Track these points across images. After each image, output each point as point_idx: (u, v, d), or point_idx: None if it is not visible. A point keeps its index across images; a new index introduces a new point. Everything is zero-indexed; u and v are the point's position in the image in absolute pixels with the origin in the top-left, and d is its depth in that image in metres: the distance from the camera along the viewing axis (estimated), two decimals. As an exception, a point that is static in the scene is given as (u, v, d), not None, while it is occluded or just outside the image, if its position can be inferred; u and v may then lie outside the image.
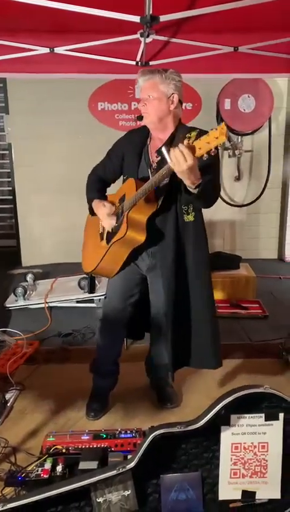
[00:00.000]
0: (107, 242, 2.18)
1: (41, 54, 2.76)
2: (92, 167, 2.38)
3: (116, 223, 2.14)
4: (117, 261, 2.18)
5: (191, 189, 1.84)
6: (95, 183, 2.33)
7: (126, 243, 2.08)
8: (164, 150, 1.85)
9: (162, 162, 2.05)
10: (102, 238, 2.25)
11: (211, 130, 1.68)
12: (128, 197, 2.10)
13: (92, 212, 2.29)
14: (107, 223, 2.17)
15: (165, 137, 2.13)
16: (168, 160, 1.76)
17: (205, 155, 1.68)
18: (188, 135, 1.97)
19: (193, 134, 2.01)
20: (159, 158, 2.13)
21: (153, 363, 2.54)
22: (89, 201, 2.29)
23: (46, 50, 2.75)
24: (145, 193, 1.99)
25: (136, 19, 2.08)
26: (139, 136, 2.23)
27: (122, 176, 2.29)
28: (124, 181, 2.25)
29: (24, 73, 2.94)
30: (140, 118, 2.13)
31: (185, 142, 1.71)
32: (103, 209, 2.15)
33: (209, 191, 1.93)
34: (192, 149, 1.69)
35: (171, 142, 2.07)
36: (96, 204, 2.22)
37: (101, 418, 2.42)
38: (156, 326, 2.36)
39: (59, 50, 2.75)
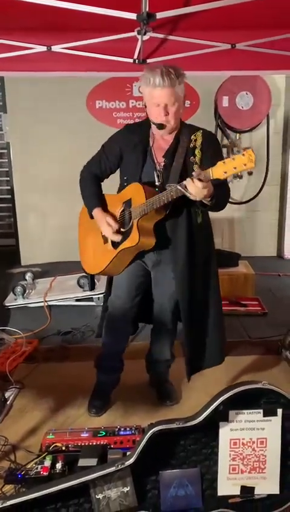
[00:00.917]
0: (114, 246, 2.18)
1: (39, 52, 2.76)
2: None
3: (124, 228, 2.14)
4: (124, 263, 2.21)
5: (206, 202, 1.89)
6: (91, 184, 2.27)
7: (136, 248, 2.11)
8: (179, 188, 1.85)
9: (170, 166, 2.08)
10: (106, 241, 2.23)
11: (238, 154, 1.72)
12: (136, 203, 2.07)
13: (91, 216, 2.25)
14: (113, 238, 2.15)
15: (170, 139, 2.13)
16: (189, 196, 1.82)
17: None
18: (193, 137, 2.08)
19: (199, 135, 2.10)
20: (165, 161, 2.11)
21: (154, 359, 2.55)
22: (89, 209, 2.24)
23: (44, 48, 2.75)
24: (159, 204, 1.98)
25: (132, 16, 2.09)
26: (139, 135, 2.17)
27: (119, 173, 2.25)
28: (125, 181, 2.20)
29: (21, 71, 2.93)
30: (161, 126, 2.05)
31: (197, 171, 1.75)
32: (108, 228, 2.14)
33: (222, 198, 2.00)
34: (206, 178, 1.75)
35: (177, 145, 2.10)
36: (100, 218, 2.18)
37: (101, 415, 2.43)
38: (159, 321, 2.38)
39: (56, 48, 2.75)
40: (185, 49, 2.76)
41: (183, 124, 2.17)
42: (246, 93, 4.60)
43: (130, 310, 2.34)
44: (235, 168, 1.70)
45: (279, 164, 5.09)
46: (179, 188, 1.84)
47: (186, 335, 2.27)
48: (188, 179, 1.79)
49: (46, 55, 2.78)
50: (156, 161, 2.14)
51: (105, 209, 2.22)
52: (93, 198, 2.24)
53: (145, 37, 2.54)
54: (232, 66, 2.97)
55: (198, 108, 4.78)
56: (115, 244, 2.18)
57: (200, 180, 1.75)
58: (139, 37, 2.50)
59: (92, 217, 2.25)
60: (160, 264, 2.23)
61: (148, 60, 2.84)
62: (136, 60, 2.82)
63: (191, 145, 2.10)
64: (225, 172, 1.73)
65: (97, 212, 2.20)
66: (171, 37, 2.65)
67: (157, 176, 2.12)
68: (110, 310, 2.37)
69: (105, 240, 2.23)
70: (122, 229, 2.15)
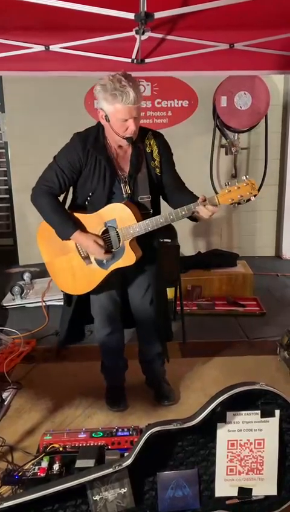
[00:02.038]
0: (102, 266, 2.18)
1: (37, 51, 2.75)
2: None
3: (112, 248, 2.14)
4: (110, 280, 2.25)
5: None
6: (57, 205, 2.17)
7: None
8: (193, 207, 1.99)
9: (135, 175, 2.15)
10: (89, 261, 2.20)
11: (241, 183, 1.92)
12: (123, 224, 2.08)
13: (65, 239, 2.17)
14: (104, 258, 2.14)
15: (127, 147, 2.14)
16: (204, 217, 2.02)
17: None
18: (147, 141, 2.17)
19: (151, 138, 2.19)
20: (129, 171, 2.15)
21: (146, 356, 2.55)
22: (67, 233, 2.13)
23: (42, 48, 2.74)
24: (157, 227, 2.06)
25: (130, 16, 2.08)
26: (97, 146, 2.11)
27: (82, 187, 2.17)
28: (90, 196, 2.14)
29: (19, 71, 2.92)
30: (131, 139, 2.06)
31: (203, 197, 1.98)
32: (98, 249, 2.11)
33: None
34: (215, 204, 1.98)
35: (137, 153, 2.14)
36: (83, 239, 2.12)
37: (99, 416, 2.43)
38: (143, 317, 2.40)
39: (54, 48, 2.74)
40: (183, 49, 2.76)
41: None
42: (245, 93, 4.59)
43: (117, 308, 2.36)
44: (241, 196, 1.92)
45: (277, 164, 5.09)
46: (188, 211, 1.99)
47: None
48: (200, 206, 1.96)
49: (44, 54, 2.77)
50: (120, 172, 2.15)
51: (83, 229, 2.15)
52: (68, 220, 2.14)
53: (144, 37, 2.54)
54: (231, 65, 2.96)
55: (196, 108, 4.78)
56: (102, 265, 2.18)
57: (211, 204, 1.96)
58: (137, 36, 2.49)
59: (66, 239, 2.17)
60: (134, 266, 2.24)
61: (147, 60, 2.83)
62: (135, 60, 2.81)
63: (148, 149, 2.17)
64: (232, 199, 1.94)
65: (78, 235, 2.12)
66: (169, 37, 2.64)
67: (124, 188, 2.14)
68: (101, 319, 2.37)
69: (88, 260, 2.21)
70: (112, 250, 2.15)
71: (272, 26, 2.62)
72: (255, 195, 1.93)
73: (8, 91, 4.69)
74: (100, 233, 2.16)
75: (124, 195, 2.14)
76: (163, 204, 2.30)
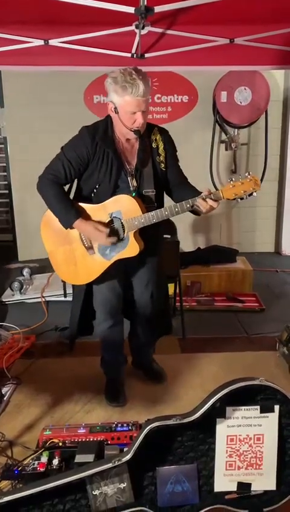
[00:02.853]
0: (105, 256, 2.21)
1: (36, 46, 2.73)
2: None
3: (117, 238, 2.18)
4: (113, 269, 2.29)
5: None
6: (62, 194, 2.21)
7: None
8: (194, 202, 2.05)
9: (141, 169, 2.19)
10: (92, 252, 2.23)
11: (245, 179, 1.99)
12: (128, 215, 2.13)
13: (68, 227, 2.20)
14: (106, 242, 2.16)
15: (134, 141, 2.19)
16: (202, 211, 2.06)
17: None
18: (153, 137, 2.23)
19: (157, 133, 2.24)
20: (136, 165, 2.19)
21: (140, 343, 2.63)
22: (69, 221, 2.16)
23: (41, 42, 2.71)
24: (162, 219, 2.11)
25: (130, 9, 2.07)
26: (105, 139, 2.15)
27: (89, 179, 2.20)
28: (96, 188, 2.17)
29: (19, 65, 2.90)
30: (138, 132, 2.10)
31: (208, 191, 2.04)
32: (100, 234, 2.14)
33: None
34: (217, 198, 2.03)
35: (143, 147, 2.18)
36: (85, 226, 2.15)
37: (99, 411, 2.43)
38: (143, 309, 2.46)
39: (54, 42, 2.72)
40: (184, 43, 2.74)
41: None
42: (245, 89, 4.58)
43: (119, 301, 2.40)
44: (244, 191, 2.00)
45: (277, 160, 5.08)
46: (192, 204, 2.04)
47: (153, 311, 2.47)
48: (200, 200, 2.01)
49: (44, 49, 2.75)
50: (127, 165, 2.20)
51: (86, 218, 2.18)
52: (71, 209, 2.17)
53: (144, 32, 2.52)
54: (231, 61, 2.94)
55: (196, 104, 4.76)
56: (106, 255, 2.21)
57: (211, 199, 2.01)
58: (137, 31, 2.48)
59: (68, 228, 2.20)
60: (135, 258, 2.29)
61: (147, 55, 2.81)
62: (134, 55, 2.79)
63: (154, 145, 2.22)
64: (235, 194, 2.00)
65: (79, 222, 2.15)
66: (169, 32, 2.62)
67: (131, 181, 2.18)
68: (103, 312, 2.40)
69: (91, 250, 2.23)
70: (116, 239, 2.19)
71: (273, 21, 2.60)
72: (258, 190, 2.00)
73: (7, 86, 4.68)
74: (106, 223, 2.19)
75: (131, 188, 2.18)
76: (166, 198, 2.33)
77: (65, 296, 3.89)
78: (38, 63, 2.88)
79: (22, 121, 4.71)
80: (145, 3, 1.97)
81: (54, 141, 5.14)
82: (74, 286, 2.47)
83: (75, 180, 2.27)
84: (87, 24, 2.59)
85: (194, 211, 2.11)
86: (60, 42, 2.72)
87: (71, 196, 2.29)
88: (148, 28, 2.53)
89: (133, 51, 2.77)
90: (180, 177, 2.29)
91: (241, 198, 2.03)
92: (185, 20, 2.48)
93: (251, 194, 2.01)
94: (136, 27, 2.45)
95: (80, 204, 2.21)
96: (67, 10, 2.17)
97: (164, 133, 2.28)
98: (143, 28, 2.46)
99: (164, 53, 2.77)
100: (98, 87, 4.66)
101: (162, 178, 2.25)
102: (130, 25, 2.50)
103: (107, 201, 2.17)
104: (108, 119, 2.19)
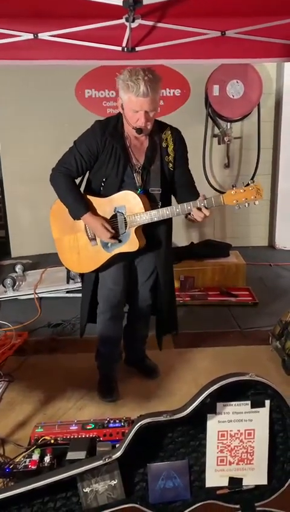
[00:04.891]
0: (106, 249, 2.27)
1: (25, 40, 2.69)
2: None
3: (118, 233, 2.23)
4: (114, 262, 2.34)
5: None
6: (73, 187, 2.27)
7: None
8: (199, 203, 2.08)
9: (149, 167, 2.22)
10: (95, 243, 2.30)
11: (247, 187, 2.01)
12: (132, 211, 2.18)
13: (76, 218, 2.28)
14: (110, 241, 2.24)
15: (144, 139, 2.23)
16: (197, 220, 2.12)
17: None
18: (164, 136, 2.25)
19: (168, 133, 2.27)
20: (144, 162, 2.22)
21: (133, 337, 2.67)
22: (78, 213, 2.24)
23: (30, 36, 2.67)
24: (162, 218, 2.15)
25: (119, 2, 2.04)
26: (114, 134, 2.20)
27: (98, 172, 2.25)
28: (104, 182, 2.22)
29: (7, 60, 2.86)
30: (140, 131, 2.12)
31: (202, 198, 2.07)
32: (106, 233, 2.20)
33: None
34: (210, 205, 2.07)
35: (153, 146, 2.23)
36: (92, 221, 2.23)
37: (91, 408, 2.43)
38: (140, 302, 2.50)
39: (43, 36, 2.68)
40: (175, 36, 2.71)
41: None
42: (237, 82, 4.56)
43: (122, 295, 2.43)
44: (245, 199, 2.01)
45: (270, 153, 5.07)
46: (196, 204, 2.07)
47: (160, 307, 2.52)
48: (194, 209, 2.07)
49: (33, 42, 2.71)
50: (134, 162, 2.22)
51: (93, 212, 2.25)
52: (81, 202, 2.25)
53: (134, 25, 2.49)
54: (223, 54, 2.91)
55: (189, 97, 4.74)
56: (107, 247, 2.27)
57: (205, 207, 2.05)
58: (127, 24, 2.45)
59: (77, 219, 2.28)
60: (144, 251, 2.34)
61: (137, 48, 2.78)
62: (125, 48, 2.76)
63: (164, 144, 2.25)
64: (236, 201, 2.02)
65: (88, 216, 2.23)
66: (160, 25, 2.60)
67: (137, 178, 2.22)
68: (105, 303, 2.41)
69: (94, 241, 2.30)
70: (119, 235, 2.24)
71: (265, 13, 2.58)
72: (260, 200, 2.01)
73: (-2, 81, 4.63)
74: (109, 218, 2.24)
75: (138, 185, 2.22)
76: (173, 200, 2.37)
77: (68, 282, 3.90)
78: (28, 57, 2.83)
79: (13, 117, 4.67)
80: (134, -5, 1.94)
81: (46, 137, 5.15)
82: (82, 277, 2.53)
83: (87, 174, 2.33)
84: (77, 17, 2.55)
85: (190, 219, 2.17)
86: (50, 36, 2.68)
87: (82, 188, 2.35)
88: (138, 21, 2.50)
89: (124, 44, 2.74)
90: (186, 179, 2.32)
91: (244, 205, 2.04)
92: (176, 13, 2.45)
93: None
94: (126, 20, 2.43)
95: (89, 196, 2.28)
96: (57, 3, 2.15)
97: (176, 133, 2.30)
98: (133, 21, 2.43)
99: (155, 46, 2.73)
100: (90, 82, 4.63)
101: (170, 178, 2.28)
102: (120, 18, 2.47)
103: (114, 195, 2.22)
104: (119, 115, 2.23)
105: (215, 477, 1.62)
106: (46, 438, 2.03)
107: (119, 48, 2.78)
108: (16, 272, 4.18)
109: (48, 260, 4.61)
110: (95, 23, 2.58)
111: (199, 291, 3.87)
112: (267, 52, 2.90)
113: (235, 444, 1.60)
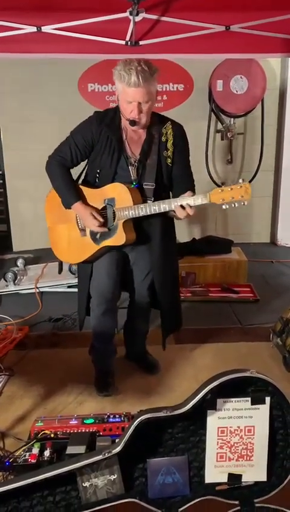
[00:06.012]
0: (95, 241, 2.26)
1: (29, 32, 2.69)
2: None
3: (106, 225, 2.21)
4: (102, 255, 2.32)
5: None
6: (65, 175, 2.27)
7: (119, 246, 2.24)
8: (181, 201, 2.05)
9: (145, 161, 2.19)
10: (84, 234, 2.29)
11: (235, 185, 1.94)
12: (121, 204, 2.15)
13: (67, 207, 2.28)
14: (98, 230, 2.22)
15: (142, 132, 2.20)
16: (180, 218, 2.10)
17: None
18: (164, 130, 2.20)
19: (169, 128, 2.22)
20: (140, 156, 2.19)
21: (134, 334, 2.67)
22: (69, 202, 2.24)
23: (34, 29, 2.68)
24: (150, 213, 2.10)
25: (123, -5, 2.03)
26: (111, 126, 2.18)
27: (93, 163, 2.25)
28: (98, 173, 2.21)
29: (11, 53, 2.85)
30: (133, 123, 2.09)
31: (201, 197, 2.01)
32: (94, 222, 2.18)
33: None
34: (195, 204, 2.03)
35: (150, 139, 2.19)
36: (82, 211, 2.22)
37: (91, 402, 2.43)
38: (139, 300, 2.49)
39: (47, 29, 2.68)
40: (179, 30, 2.70)
41: (152, 114, 2.19)
42: (241, 77, 4.53)
43: (115, 288, 2.39)
44: (232, 197, 1.93)
45: (273, 149, 5.04)
46: (173, 205, 2.04)
47: (162, 305, 2.49)
48: (178, 206, 2.02)
49: (36, 36, 2.71)
50: (130, 155, 2.20)
51: (84, 202, 2.24)
52: (72, 191, 2.25)
53: (138, 18, 2.49)
54: (227, 48, 2.91)
55: (192, 93, 4.71)
56: (96, 240, 2.25)
57: (189, 206, 2.00)
58: (131, 17, 2.44)
59: (68, 208, 2.27)
60: (136, 248, 2.33)
61: (141, 42, 2.77)
62: (129, 42, 2.75)
63: (163, 138, 2.21)
64: (223, 199, 1.95)
65: (79, 205, 2.22)
66: (164, 18, 2.59)
67: (132, 171, 2.19)
68: (98, 296, 2.39)
69: (83, 232, 2.29)
70: (107, 226, 2.22)
71: (269, 8, 2.57)
72: (247, 201, 1.93)
73: (0, 74, 4.60)
74: (100, 209, 2.23)
75: (132, 178, 2.19)
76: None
77: (60, 273, 3.87)
78: (31, 50, 2.84)
79: (15, 111, 4.65)
80: (138, -12, 1.93)
81: (48, 131, 5.12)
82: (79, 270, 2.52)
83: (85, 162, 2.32)
84: (81, 10, 2.55)
85: (172, 215, 2.16)
86: (53, 29, 2.68)
87: (82, 177, 2.35)
88: (142, 15, 2.50)
89: (128, 38, 2.73)
90: (184, 176, 2.28)
91: (232, 206, 1.96)
92: (180, 7, 2.44)
93: (243, 204, 1.94)
94: (130, 14, 2.42)
95: (82, 187, 2.27)
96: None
97: (177, 128, 2.25)
98: (137, 14, 2.43)
99: (158, 40, 2.73)
100: (93, 76, 4.60)
101: (168, 173, 2.24)
102: (124, 12, 2.46)
103: (106, 186, 2.21)
104: (117, 107, 2.20)
105: (214, 473, 1.62)
106: (46, 432, 2.03)
107: (123, 42, 2.78)
108: (18, 266, 4.18)
109: (50, 255, 4.54)
110: (99, 17, 2.58)
111: (200, 287, 3.87)
112: (272, 48, 2.89)
113: (235, 440, 1.60)
